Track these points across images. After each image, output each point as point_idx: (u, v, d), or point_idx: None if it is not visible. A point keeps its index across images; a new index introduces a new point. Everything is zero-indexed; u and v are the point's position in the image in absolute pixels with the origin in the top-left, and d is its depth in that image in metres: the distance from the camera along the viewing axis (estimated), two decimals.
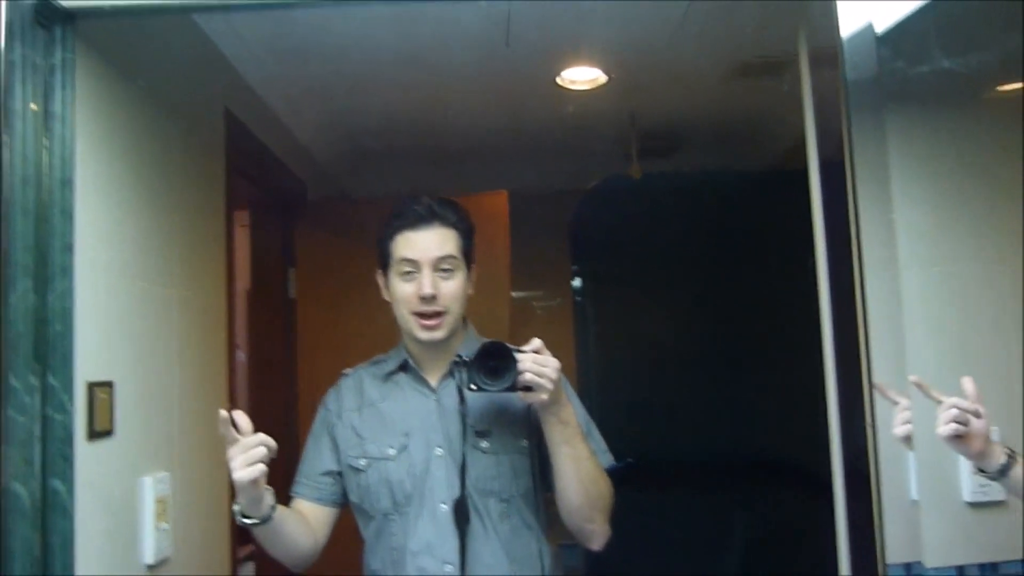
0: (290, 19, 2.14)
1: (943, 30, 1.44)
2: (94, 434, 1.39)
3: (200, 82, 2.05)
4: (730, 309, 3.35)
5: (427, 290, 1.47)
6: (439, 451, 1.49)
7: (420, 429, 1.51)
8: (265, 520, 1.36)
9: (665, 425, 3.27)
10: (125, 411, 1.50)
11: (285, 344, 2.94)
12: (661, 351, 3.43)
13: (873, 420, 1.28)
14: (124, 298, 1.55)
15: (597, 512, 1.47)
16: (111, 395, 1.46)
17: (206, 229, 2.01)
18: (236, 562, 2.13)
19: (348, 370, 1.63)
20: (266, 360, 2.81)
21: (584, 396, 1.61)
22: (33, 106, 1.28)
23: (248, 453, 1.29)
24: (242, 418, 1.32)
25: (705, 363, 3.39)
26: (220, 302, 2.06)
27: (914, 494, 1.43)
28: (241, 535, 2.22)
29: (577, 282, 3.77)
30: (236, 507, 1.36)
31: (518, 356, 1.38)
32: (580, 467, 1.43)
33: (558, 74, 2.61)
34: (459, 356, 1.49)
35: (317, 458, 1.56)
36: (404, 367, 1.56)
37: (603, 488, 1.47)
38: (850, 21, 1.31)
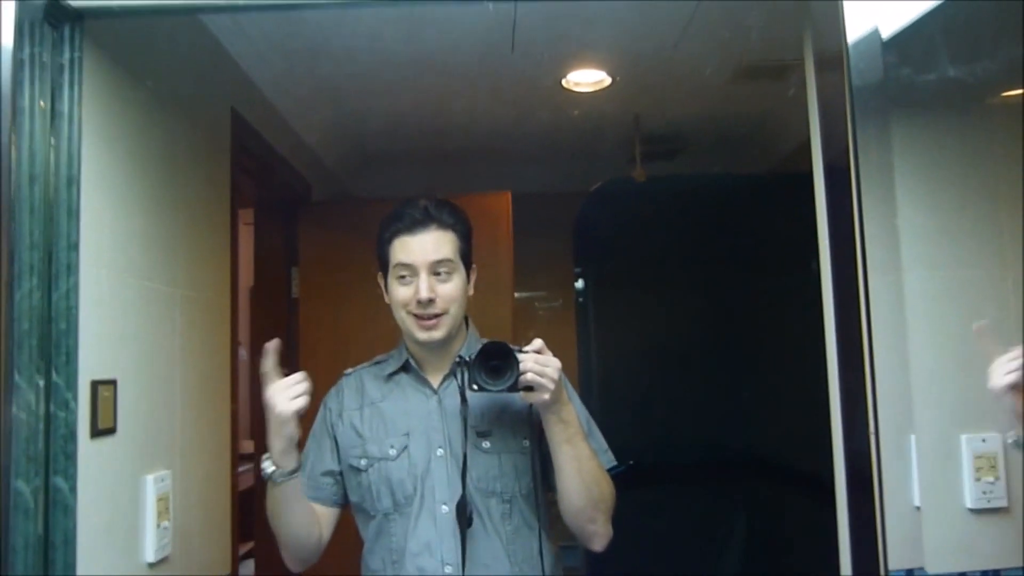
0: (297, 20, 2.15)
1: (949, 36, 1.44)
2: (97, 432, 1.39)
3: (207, 82, 2.05)
4: (733, 311, 3.35)
5: (424, 294, 1.47)
6: (440, 451, 1.49)
7: (421, 429, 1.51)
8: (293, 472, 1.39)
9: (667, 426, 3.27)
10: (128, 409, 1.50)
11: (287, 343, 2.94)
12: (663, 353, 3.42)
13: (876, 425, 1.28)
14: (128, 296, 1.55)
15: (599, 513, 1.46)
16: (114, 393, 1.46)
17: (211, 228, 2.01)
18: (236, 560, 2.14)
19: (349, 370, 1.63)
20: None
21: (586, 397, 1.62)
22: (41, 104, 1.29)
23: (292, 388, 1.35)
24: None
25: (707, 365, 3.39)
26: (224, 301, 2.06)
27: (916, 500, 1.43)
28: (241, 533, 2.22)
29: (580, 283, 3.77)
30: (265, 461, 1.39)
31: (519, 356, 1.38)
32: (582, 467, 1.43)
33: (563, 76, 2.62)
34: (460, 356, 1.49)
35: (318, 458, 1.56)
36: (405, 367, 1.56)
37: (605, 488, 1.47)
38: (856, 26, 1.31)
